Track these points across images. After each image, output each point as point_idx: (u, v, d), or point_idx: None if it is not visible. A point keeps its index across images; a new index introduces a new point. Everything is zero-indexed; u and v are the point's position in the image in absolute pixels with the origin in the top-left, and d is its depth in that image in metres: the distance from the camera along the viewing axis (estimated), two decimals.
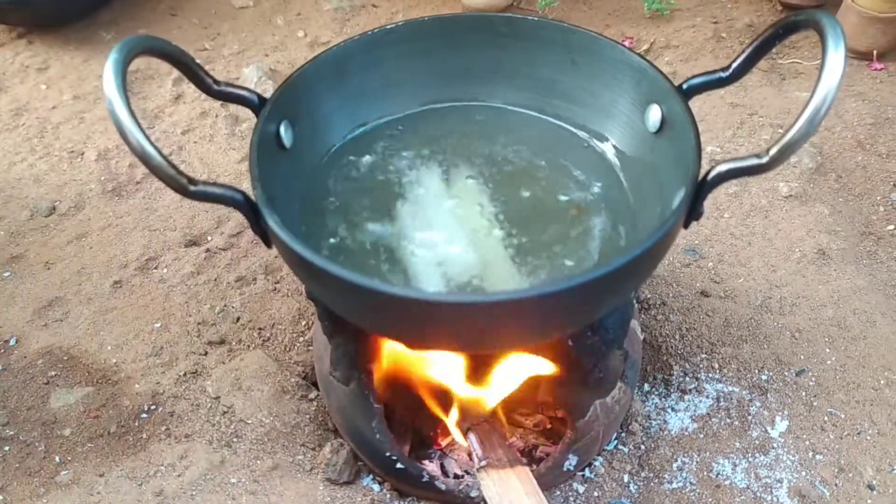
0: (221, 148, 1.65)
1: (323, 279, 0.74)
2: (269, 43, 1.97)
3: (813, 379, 1.19)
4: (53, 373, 1.22)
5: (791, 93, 1.77)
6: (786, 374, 1.20)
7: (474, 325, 0.73)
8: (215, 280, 1.37)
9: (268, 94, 0.89)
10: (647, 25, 2.02)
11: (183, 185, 0.75)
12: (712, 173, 0.77)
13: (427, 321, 0.75)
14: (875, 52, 1.85)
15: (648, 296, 1.31)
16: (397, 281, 0.84)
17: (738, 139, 1.63)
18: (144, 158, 0.73)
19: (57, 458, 1.12)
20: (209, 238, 1.46)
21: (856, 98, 1.75)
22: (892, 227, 1.46)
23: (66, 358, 1.25)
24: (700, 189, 0.79)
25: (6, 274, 1.40)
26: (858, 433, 1.13)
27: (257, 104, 0.89)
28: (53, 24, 2.00)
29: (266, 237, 0.82)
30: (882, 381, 1.18)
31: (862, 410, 1.15)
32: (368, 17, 2.06)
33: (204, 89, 0.87)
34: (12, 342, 1.27)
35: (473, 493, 1.02)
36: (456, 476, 1.07)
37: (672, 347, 1.24)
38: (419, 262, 0.85)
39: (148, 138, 0.73)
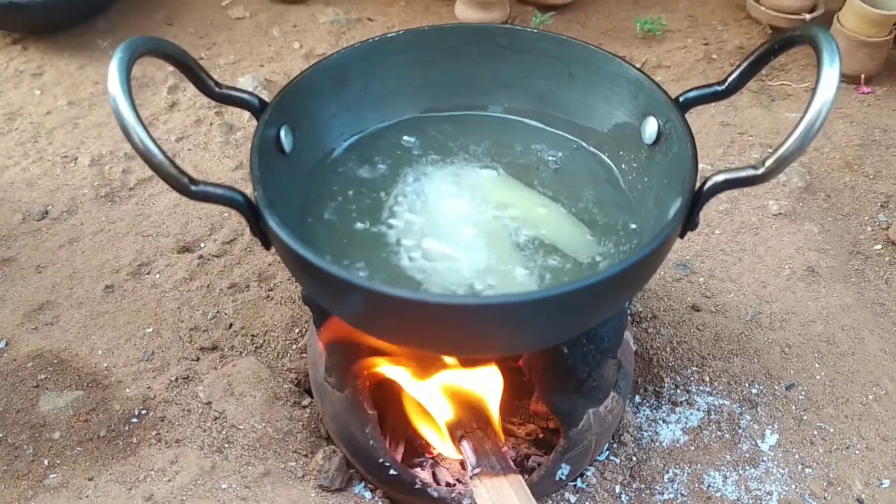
0: (216, 156, 1.66)
1: (322, 280, 0.74)
2: (264, 54, 1.98)
3: (802, 393, 1.20)
4: (43, 376, 1.21)
5: (780, 113, 1.80)
6: (776, 388, 1.21)
7: (470, 328, 0.74)
8: (208, 286, 1.37)
9: None
10: (640, 46, 2.04)
11: (184, 185, 0.75)
12: (708, 183, 0.79)
13: (422, 323, 0.75)
14: (863, 76, 1.89)
15: (640, 309, 1.32)
16: (394, 283, 0.84)
17: (729, 157, 1.65)
18: (147, 156, 0.73)
19: (46, 462, 1.11)
20: (202, 245, 1.46)
21: (844, 120, 1.78)
22: (879, 246, 1.48)
23: (56, 361, 1.24)
24: (696, 199, 0.80)
25: None
26: (847, 447, 1.14)
27: (258, 107, 0.90)
28: (48, 30, 1.99)
29: (265, 238, 0.82)
30: (870, 397, 1.19)
31: (851, 425, 1.16)
32: (364, 30, 2.07)
33: (205, 91, 0.88)
34: (2, 345, 1.26)
35: (465, 502, 1.02)
36: (448, 484, 1.07)
37: (663, 360, 1.25)
38: (418, 265, 0.86)
39: (151, 137, 0.73)
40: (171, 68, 1.86)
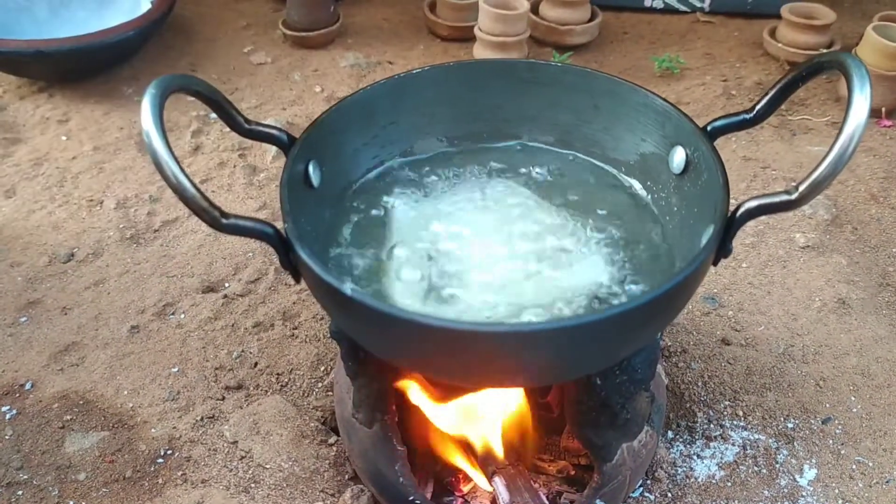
0: (239, 197, 1.67)
1: (353, 311, 0.74)
2: (286, 97, 2.01)
3: (839, 427, 1.18)
4: (69, 417, 1.21)
5: (802, 147, 1.80)
6: (812, 422, 1.18)
7: (505, 356, 0.73)
8: (233, 326, 1.37)
9: None
10: (658, 84, 2.05)
11: (215, 218, 0.75)
12: (741, 210, 0.78)
13: (454, 352, 0.74)
14: (883, 110, 1.88)
15: (669, 343, 1.30)
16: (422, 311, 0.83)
17: (753, 190, 1.64)
18: (179, 190, 0.73)
19: (71, 503, 1.09)
20: (227, 284, 1.46)
21: (867, 153, 1.77)
22: None
23: (81, 402, 1.23)
24: (729, 226, 0.79)
25: (23, 319, 1.39)
26: (887, 481, 1.11)
27: (287, 142, 0.90)
28: (74, 77, 2.03)
29: (296, 271, 0.82)
30: None
31: (890, 458, 1.13)
32: (384, 73, 2.10)
33: (235, 127, 0.88)
34: (28, 386, 1.26)
35: None
36: None
37: (695, 394, 1.22)
38: (446, 293, 0.85)
39: (183, 171, 0.73)
40: (194, 113, 1.89)
